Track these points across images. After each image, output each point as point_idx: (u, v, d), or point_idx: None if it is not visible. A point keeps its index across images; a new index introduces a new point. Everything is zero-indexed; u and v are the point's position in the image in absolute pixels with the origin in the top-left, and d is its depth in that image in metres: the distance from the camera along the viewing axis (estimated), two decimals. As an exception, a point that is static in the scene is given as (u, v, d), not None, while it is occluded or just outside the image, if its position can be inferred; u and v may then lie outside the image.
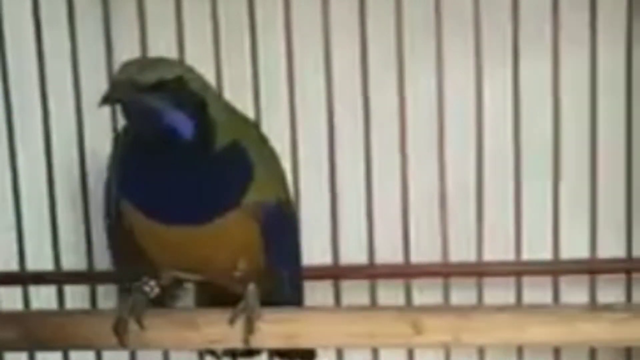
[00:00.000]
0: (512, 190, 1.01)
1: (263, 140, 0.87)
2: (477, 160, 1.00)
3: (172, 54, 0.97)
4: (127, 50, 0.95)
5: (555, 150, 0.99)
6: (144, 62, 0.81)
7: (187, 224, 0.80)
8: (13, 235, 1.03)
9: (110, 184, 0.85)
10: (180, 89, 0.78)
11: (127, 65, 0.78)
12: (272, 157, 0.87)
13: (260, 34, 1.00)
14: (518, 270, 1.02)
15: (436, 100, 0.99)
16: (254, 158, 0.82)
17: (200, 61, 0.89)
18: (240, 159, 0.81)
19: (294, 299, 0.91)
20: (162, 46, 0.98)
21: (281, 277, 0.88)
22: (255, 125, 0.92)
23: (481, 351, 1.03)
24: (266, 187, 0.83)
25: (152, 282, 0.86)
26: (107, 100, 0.76)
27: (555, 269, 1.02)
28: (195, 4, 1.00)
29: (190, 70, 0.81)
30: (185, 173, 0.79)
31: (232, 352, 0.95)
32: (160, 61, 0.81)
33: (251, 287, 0.84)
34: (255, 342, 0.83)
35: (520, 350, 1.03)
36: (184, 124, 0.78)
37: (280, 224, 0.86)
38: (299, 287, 0.93)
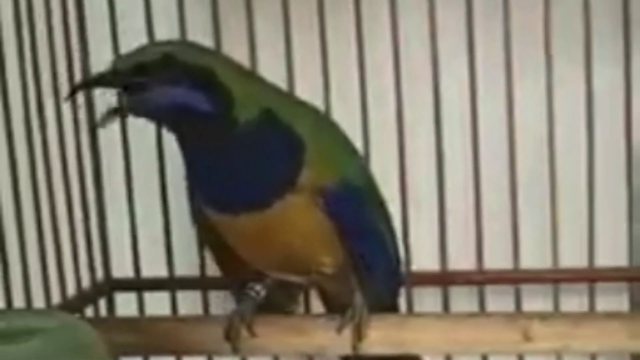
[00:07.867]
0: (625, 196, 0.99)
1: (320, 120, 0.83)
2: (588, 162, 0.98)
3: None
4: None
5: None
6: (131, 51, 0.77)
7: (247, 209, 0.77)
8: (128, 243, 1.06)
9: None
10: (168, 66, 0.74)
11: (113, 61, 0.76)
12: (334, 136, 0.82)
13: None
14: (630, 276, 1.00)
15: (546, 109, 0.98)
16: (304, 135, 0.77)
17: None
18: (282, 131, 0.77)
19: (386, 301, 0.89)
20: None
21: (367, 273, 0.83)
22: (308, 106, 0.84)
23: (593, 358, 1.01)
24: (325, 167, 0.78)
25: (258, 287, 0.87)
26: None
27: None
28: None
29: (191, 46, 0.78)
30: (224, 152, 0.76)
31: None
32: (148, 45, 0.79)
33: (358, 295, 0.83)
34: (363, 348, 0.83)
35: (635, 357, 1.01)
36: (191, 97, 0.74)
37: (350, 210, 0.80)
38: (394, 287, 0.90)
